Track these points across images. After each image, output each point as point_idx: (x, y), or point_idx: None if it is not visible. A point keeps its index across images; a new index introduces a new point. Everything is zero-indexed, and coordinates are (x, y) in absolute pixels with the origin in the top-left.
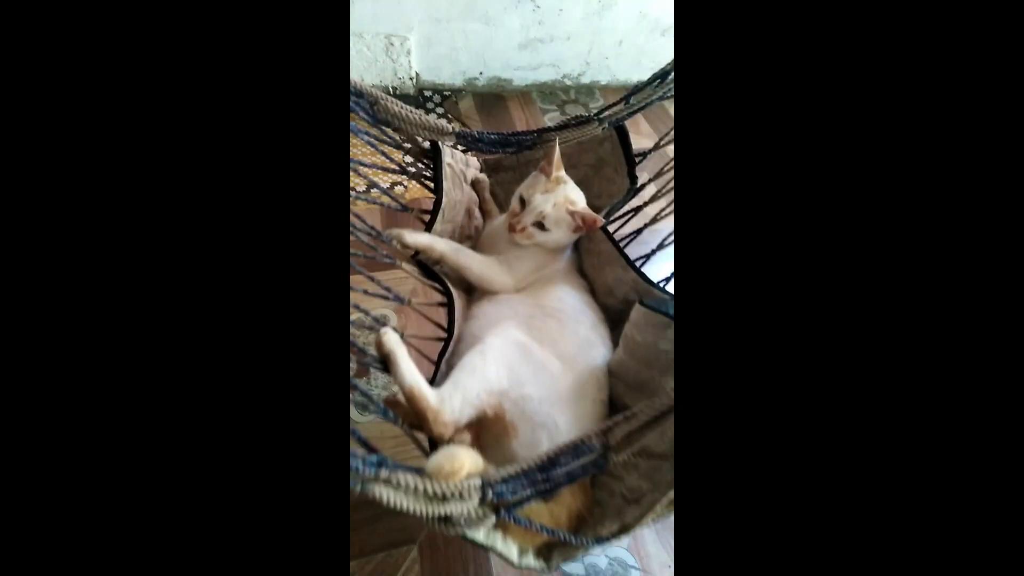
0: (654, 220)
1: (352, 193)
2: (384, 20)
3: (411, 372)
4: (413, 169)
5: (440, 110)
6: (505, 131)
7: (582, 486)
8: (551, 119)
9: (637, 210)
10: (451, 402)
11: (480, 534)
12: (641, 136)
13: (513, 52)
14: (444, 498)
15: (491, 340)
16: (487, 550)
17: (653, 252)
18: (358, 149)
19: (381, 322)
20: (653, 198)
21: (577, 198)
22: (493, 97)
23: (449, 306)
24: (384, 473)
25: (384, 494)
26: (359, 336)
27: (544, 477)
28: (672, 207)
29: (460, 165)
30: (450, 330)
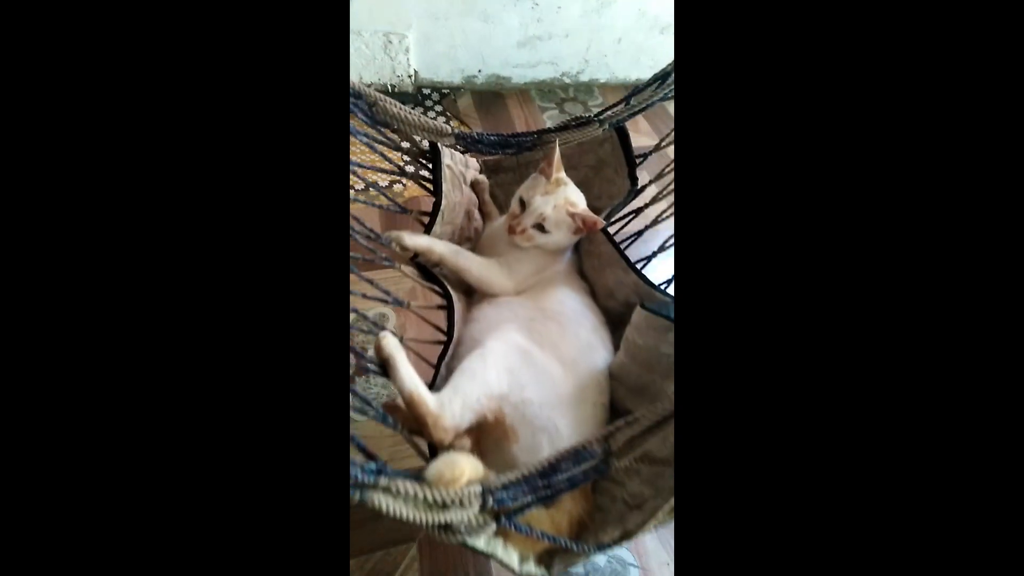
0: (655, 222)
1: (351, 193)
2: (382, 17)
3: (410, 377)
4: (412, 170)
5: (439, 108)
6: (505, 132)
7: (583, 491)
8: (550, 117)
9: (638, 211)
10: (451, 407)
11: (481, 541)
12: (640, 134)
13: (512, 50)
14: (444, 505)
15: (491, 344)
16: (488, 557)
17: (654, 254)
18: (356, 150)
19: (380, 325)
20: (654, 199)
21: (577, 200)
22: (492, 95)
23: (449, 309)
24: (383, 481)
25: (383, 502)
26: (356, 336)
27: (545, 483)
28: (673, 208)
29: (459, 166)
30: (450, 333)
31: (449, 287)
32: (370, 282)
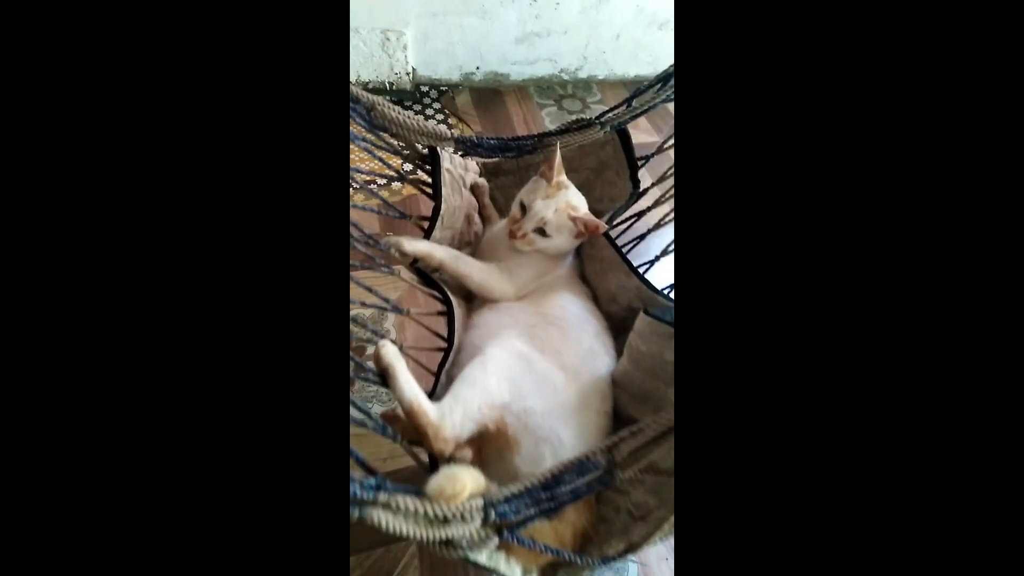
0: (658, 225)
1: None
2: (380, 15)
3: (411, 386)
4: (411, 175)
5: (437, 105)
6: (505, 136)
7: (587, 502)
8: (548, 114)
9: (640, 214)
10: (451, 417)
11: (483, 556)
12: (640, 131)
13: (510, 47)
14: (445, 520)
15: (492, 351)
16: (490, 572)
17: (657, 258)
18: (355, 155)
19: (380, 334)
20: (657, 202)
21: (579, 203)
22: (490, 92)
23: (449, 315)
24: (383, 496)
25: (383, 519)
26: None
27: (548, 495)
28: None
29: (459, 170)
30: (450, 340)
31: (449, 293)
32: (369, 289)
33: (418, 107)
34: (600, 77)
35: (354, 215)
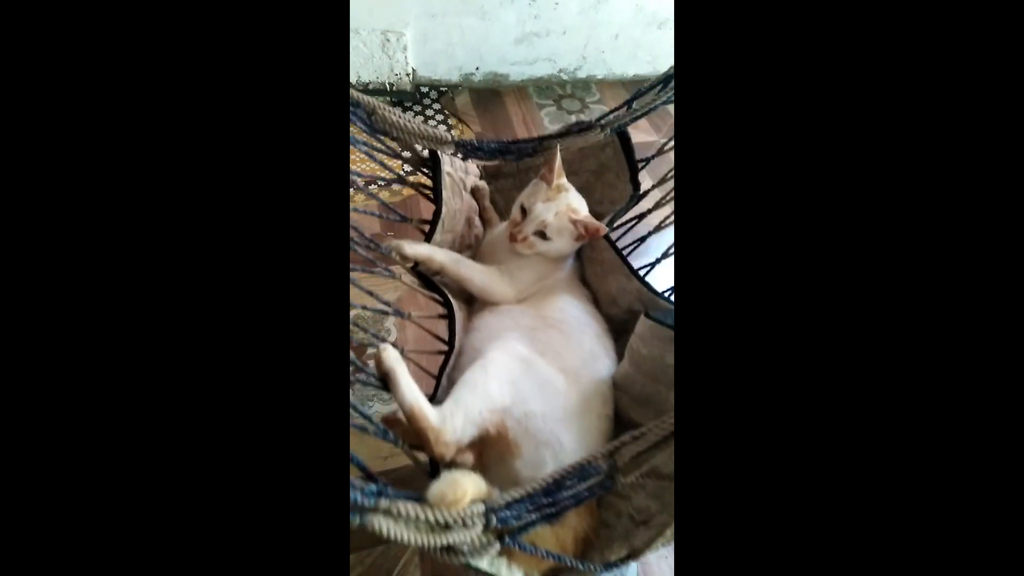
0: (658, 227)
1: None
2: (380, 16)
3: (412, 391)
4: (412, 179)
5: (437, 106)
6: (505, 138)
7: (588, 507)
8: (547, 114)
9: (641, 217)
10: (452, 421)
11: (484, 562)
12: (639, 131)
13: (509, 47)
14: (447, 526)
15: (493, 354)
16: None
17: (658, 260)
18: (355, 159)
19: (380, 336)
20: (657, 204)
21: (579, 206)
22: (489, 92)
23: (450, 318)
24: (384, 503)
25: (384, 526)
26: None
27: (549, 501)
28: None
29: (459, 173)
30: (451, 343)
31: (450, 296)
32: (370, 293)
33: (418, 108)
34: (599, 77)
35: (354, 218)
